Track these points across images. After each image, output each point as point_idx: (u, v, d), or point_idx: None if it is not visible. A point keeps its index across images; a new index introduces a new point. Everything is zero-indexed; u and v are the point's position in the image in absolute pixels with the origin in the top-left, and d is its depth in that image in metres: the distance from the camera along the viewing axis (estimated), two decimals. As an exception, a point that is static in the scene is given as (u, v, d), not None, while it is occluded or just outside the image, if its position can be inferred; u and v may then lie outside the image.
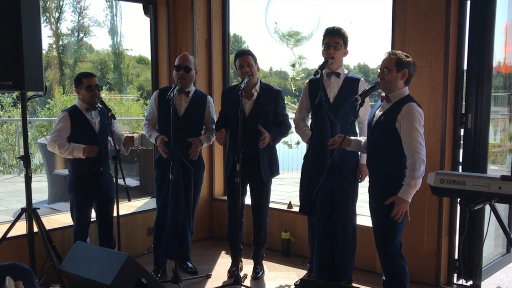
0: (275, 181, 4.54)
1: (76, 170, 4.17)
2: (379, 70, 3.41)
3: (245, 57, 4.22)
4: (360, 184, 4.07)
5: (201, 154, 4.49)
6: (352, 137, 3.67)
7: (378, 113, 3.47)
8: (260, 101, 4.25)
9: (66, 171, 7.13)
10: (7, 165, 12.21)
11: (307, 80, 4.18)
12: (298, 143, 5.25)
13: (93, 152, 4.06)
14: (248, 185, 4.41)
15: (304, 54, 5.30)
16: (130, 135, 4.35)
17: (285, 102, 4.52)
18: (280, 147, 5.18)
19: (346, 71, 4.03)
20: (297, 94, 5.22)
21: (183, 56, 4.37)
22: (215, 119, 4.47)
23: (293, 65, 5.25)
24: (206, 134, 4.47)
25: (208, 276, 4.50)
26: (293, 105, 5.16)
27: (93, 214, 4.32)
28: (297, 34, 5.02)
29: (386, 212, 3.33)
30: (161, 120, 4.39)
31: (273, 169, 4.36)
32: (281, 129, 4.29)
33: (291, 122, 4.38)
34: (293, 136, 5.27)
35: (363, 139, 3.71)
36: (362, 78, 4.01)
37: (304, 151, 4.14)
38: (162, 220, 4.08)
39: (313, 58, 5.02)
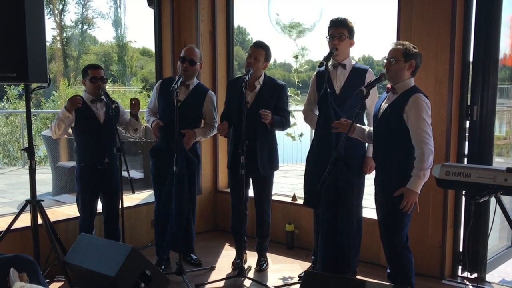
0: (279, 173, 4.52)
1: (82, 161, 4.19)
2: (385, 61, 3.38)
3: (255, 50, 4.18)
4: (366, 177, 4.06)
5: (197, 148, 4.41)
6: (357, 124, 3.65)
7: (384, 105, 3.44)
8: (263, 93, 4.21)
9: (70, 163, 7.19)
10: (11, 157, 12.25)
11: (315, 72, 4.14)
12: (301, 135, 5.22)
13: (75, 101, 3.98)
14: (250, 178, 4.39)
15: (307, 46, 5.24)
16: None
17: (289, 94, 4.47)
18: (283, 139, 5.16)
19: (353, 62, 3.98)
20: (301, 86, 5.19)
21: (189, 48, 4.28)
22: (215, 115, 4.40)
23: (296, 57, 5.20)
24: (204, 128, 4.37)
25: (212, 268, 4.50)
26: (296, 97, 5.13)
27: (100, 206, 4.32)
28: (299, 26, 4.97)
29: (394, 204, 3.32)
30: (160, 110, 4.37)
31: (273, 164, 4.32)
32: (282, 119, 4.21)
33: (300, 114, 4.33)
34: (297, 128, 5.24)
35: (367, 128, 3.69)
36: (369, 69, 3.96)
37: (308, 143, 4.12)
38: (163, 211, 4.07)
39: (317, 49, 4.99)
